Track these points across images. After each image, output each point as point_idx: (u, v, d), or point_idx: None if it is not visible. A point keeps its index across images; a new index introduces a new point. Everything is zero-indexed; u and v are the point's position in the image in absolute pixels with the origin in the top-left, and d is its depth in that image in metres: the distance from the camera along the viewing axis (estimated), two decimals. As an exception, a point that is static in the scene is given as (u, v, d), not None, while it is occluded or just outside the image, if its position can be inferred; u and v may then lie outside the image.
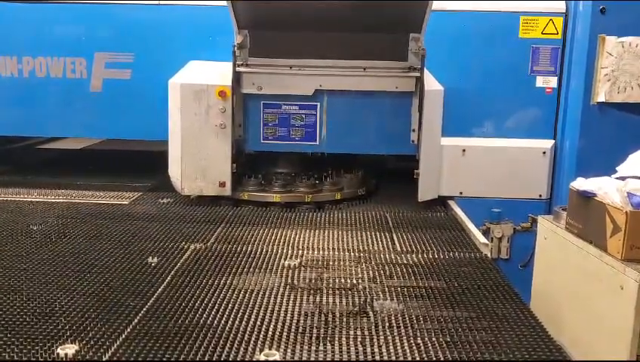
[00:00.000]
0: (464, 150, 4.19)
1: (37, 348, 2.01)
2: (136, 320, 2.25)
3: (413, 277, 2.77)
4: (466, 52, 4.19)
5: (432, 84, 4.01)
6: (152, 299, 2.47)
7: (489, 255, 3.19)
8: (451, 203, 4.16)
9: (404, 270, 2.86)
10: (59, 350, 2.00)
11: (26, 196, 4.15)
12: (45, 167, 5.29)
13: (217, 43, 4.21)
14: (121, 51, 4.30)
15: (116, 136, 4.67)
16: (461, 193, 4.24)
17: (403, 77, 4.01)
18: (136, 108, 4.34)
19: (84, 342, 2.07)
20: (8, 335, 2.09)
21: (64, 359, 1.96)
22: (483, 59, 4.19)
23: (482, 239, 3.32)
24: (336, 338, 2.13)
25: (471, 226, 3.59)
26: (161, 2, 4.27)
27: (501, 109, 4.26)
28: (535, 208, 4.19)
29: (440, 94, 4.04)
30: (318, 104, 4.09)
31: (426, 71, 3.93)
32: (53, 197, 4.16)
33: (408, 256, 3.08)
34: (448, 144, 4.18)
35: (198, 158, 4.01)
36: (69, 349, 2.01)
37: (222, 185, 4.04)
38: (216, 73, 4.04)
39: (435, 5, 3.64)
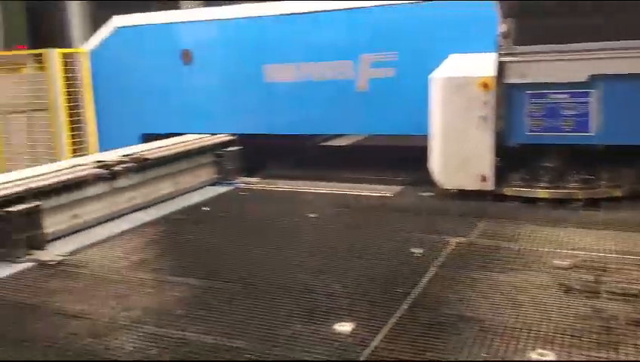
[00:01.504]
0: None
1: (317, 324, 2.23)
2: (405, 306, 2.35)
3: None
4: None
5: None
6: (419, 287, 2.54)
7: None
8: None
9: None
10: (336, 326, 2.20)
11: (303, 188, 4.62)
12: (323, 162, 5.82)
13: (477, 35, 4.14)
14: (385, 51, 4.51)
15: (381, 132, 4.93)
16: None
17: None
18: (400, 104, 4.51)
19: (358, 321, 2.23)
20: (295, 310, 2.37)
21: (341, 335, 2.14)
22: None
23: None
24: (621, 347, 1.93)
25: None
26: (421, 1, 4.37)
27: None
28: None
29: None
30: (593, 91, 3.73)
31: None
32: (326, 188, 4.55)
33: None
34: None
35: (458, 152, 3.99)
36: (346, 326, 2.20)
37: (483, 179, 3.96)
38: (478, 65, 3.98)
39: None
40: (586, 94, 3.75)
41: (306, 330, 2.18)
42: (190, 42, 5.25)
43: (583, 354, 1.90)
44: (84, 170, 3.71)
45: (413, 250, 3.02)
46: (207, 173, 4.84)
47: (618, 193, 3.74)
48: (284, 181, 4.85)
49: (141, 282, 2.74)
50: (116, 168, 3.85)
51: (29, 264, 3.02)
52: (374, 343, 2.07)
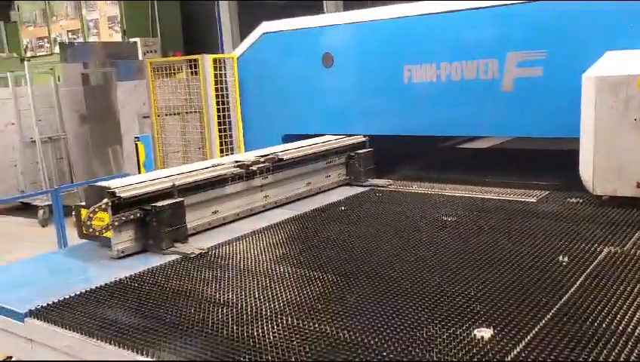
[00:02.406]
0: None
1: (454, 327, 2.21)
2: (548, 316, 2.24)
3: None
4: None
5: None
6: (565, 297, 2.41)
7: None
8: None
9: None
10: (475, 332, 2.16)
11: (439, 190, 4.56)
12: (458, 165, 5.70)
13: (638, 29, 3.83)
14: (532, 49, 4.31)
15: (526, 135, 4.72)
16: None
17: None
18: (547, 105, 4.29)
19: (498, 328, 2.17)
20: (431, 313, 2.35)
21: (480, 341, 2.10)
22: None
23: None
24: None
25: None
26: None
27: None
28: None
29: None
30: None
31: None
32: (463, 191, 4.45)
33: None
34: None
35: (613, 156, 3.71)
36: (485, 332, 2.15)
37: (639, 185, 3.65)
38: (637, 62, 3.67)
39: None
40: None
41: (444, 333, 2.16)
42: (331, 45, 5.39)
43: None
44: (224, 169, 3.96)
45: (558, 257, 2.86)
46: (338, 174, 4.96)
47: None
48: (419, 183, 4.81)
49: (283, 276, 2.88)
50: (252, 168, 4.06)
51: (175, 256, 3.26)
52: (514, 351, 2.00)
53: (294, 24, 5.66)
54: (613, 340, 2.02)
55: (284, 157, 4.37)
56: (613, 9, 3.99)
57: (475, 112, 4.67)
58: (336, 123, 5.46)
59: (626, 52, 3.88)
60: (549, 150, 5.55)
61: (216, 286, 2.79)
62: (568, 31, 4.17)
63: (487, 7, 4.52)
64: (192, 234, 3.61)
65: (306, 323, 2.32)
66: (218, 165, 4.04)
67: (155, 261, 3.20)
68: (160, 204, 3.35)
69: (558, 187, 4.33)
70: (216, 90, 6.03)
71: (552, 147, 5.56)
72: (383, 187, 4.78)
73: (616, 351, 1.96)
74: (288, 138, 5.54)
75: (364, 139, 5.11)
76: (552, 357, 1.95)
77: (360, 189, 4.76)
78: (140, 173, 6.28)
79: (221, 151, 6.13)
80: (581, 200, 3.95)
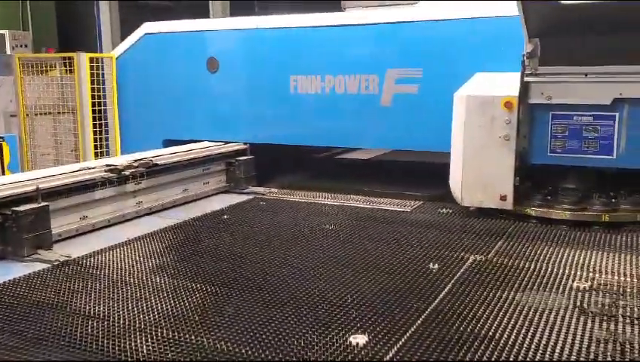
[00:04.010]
0: None
1: (331, 335, 2.25)
2: (419, 322, 2.35)
3: None
4: None
5: None
6: (434, 303, 2.54)
7: None
8: None
9: None
10: (351, 338, 2.21)
11: (322, 199, 4.64)
12: (340, 175, 5.85)
13: (503, 54, 4.15)
14: (410, 67, 4.54)
15: (403, 148, 4.95)
16: None
17: None
18: (423, 121, 4.53)
19: (372, 334, 2.24)
20: (309, 321, 2.38)
21: (355, 347, 2.15)
22: None
23: None
24: (636, 373, 1.92)
25: None
26: (450, 17, 4.39)
27: None
28: None
29: None
30: (617, 114, 3.71)
31: None
32: (344, 201, 4.57)
33: None
34: None
35: (479, 170, 3.99)
36: (360, 339, 2.20)
37: (503, 198, 3.95)
38: (503, 84, 3.98)
39: None
40: (610, 117, 3.73)
41: (320, 341, 2.19)
42: (217, 50, 5.33)
43: (598, 379, 1.89)
44: (94, 173, 3.79)
45: (429, 265, 3.02)
46: (217, 181, 4.90)
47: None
48: (302, 192, 4.87)
49: (158, 286, 2.77)
50: (124, 172, 3.92)
51: (39, 264, 3.07)
52: (387, 356, 2.07)
53: (179, 26, 5.52)
54: (475, 343, 2.16)
55: (160, 163, 4.25)
56: (484, 33, 4.30)
57: (357, 125, 4.83)
58: (220, 129, 5.39)
59: (493, 74, 4.20)
60: (424, 163, 5.85)
61: (86, 298, 2.63)
62: (442, 52, 4.45)
63: (370, 23, 4.70)
64: (58, 241, 3.41)
65: (182, 335, 2.26)
66: (88, 169, 3.85)
67: (17, 270, 2.98)
68: (21, 208, 3.14)
69: (431, 198, 4.58)
70: (93, 90, 5.73)
71: (428, 160, 5.86)
72: (264, 195, 4.78)
73: (479, 353, 2.09)
74: (169, 143, 5.39)
75: (245, 146, 5.10)
76: (422, 360, 2.04)
77: (242, 197, 4.73)
78: (3, 175, 5.80)
79: (96, 154, 5.82)
80: (451, 211, 4.20)
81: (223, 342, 2.19)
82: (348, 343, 2.18)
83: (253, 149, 5.11)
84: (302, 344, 2.17)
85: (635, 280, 2.78)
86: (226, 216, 4.15)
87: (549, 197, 3.95)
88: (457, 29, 4.41)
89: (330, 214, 4.18)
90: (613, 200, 3.81)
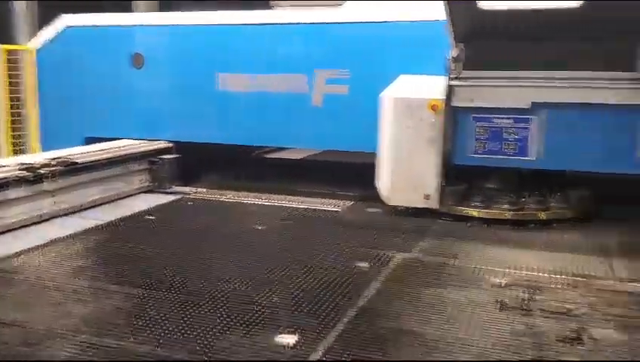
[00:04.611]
0: None
1: (258, 335, 2.23)
2: (346, 320, 2.38)
3: (638, 308, 2.50)
4: None
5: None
6: (363, 301, 2.58)
7: None
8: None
9: (628, 299, 2.60)
10: (278, 338, 2.20)
11: (252, 199, 4.61)
12: (271, 174, 5.82)
13: (428, 57, 4.26)
14: (338, 68, 4.58)
15: (335, 148, 4.98)
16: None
17: (631, 88, 3.65)
18: (353, 121, 4.58)
19: (300, 333, 2.24)
20: (236, 321, 2.36)
21: (284, 347, 2.15)
22: None
23: None
24: (549, 363, 2.02)
25: None
26: (376, 20, 4.47)
27: None
28: None
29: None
30: (535, 117, 3.90)
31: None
32: (274, 201, 4.55)
33: (632, 284, 2.79)
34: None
35: (405, 171, 4.08)
36: (288, 338, 2.20)
37: (428, 197, 4.06)
38: (428, 87, 4.09)
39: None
40: (528, 120, 3.91)
41: (246, 342, 2.18)
42: (143, 46, 5.18)
43: (515, 370, 1.97)
44: (6, 171, 3.62)
45: (358, 264, 3.06)
46: (140, 181, 4.77)
47: (543, 216, 3.91)
48: (232, 192, 4.82)
49: (79, 290, 2.67)
50: (40, 171, 3.75)
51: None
52: (315, 355, 2.08)
53: (103, 20, 5.33)
54: (402, 338, 2.21)
55: (79, 161, 4.09)
56: (409, 36, 4.40)
57: (287, 125, 4.82)
58: (145, 127, 5.25)
59: (417, 77, 4.30)
60: (356, 163, 5.92)
61: (0, 304, 2.49)
62: (369, 54, 4.52)
63: (299, 23, 4.71)
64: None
65: (103, 340, 2.18)
66: (1, 167, 3.65)
67: None
68: None
69: (361, 198, 4.64)
70: (11, 84, 5.43)
71: (359, 160, 5.94)
72: (190, 195, 4.69)
73: (405, 347, 2.13)
74: (91, 141, 5.19)
75: (169, 144, 4.99)
76: (350, 358, 2.07)
77: (168, 197, 4.62)
78: None
79: (15, 152, 5.53)
80: (380, 211, 4.27)
81: (145, 345, 2.13)
82: (274, 343, 2.17)
83: (180, 148, 5.00)
84: (227, 345, 2.15)
85: (549, 275, 2.93)
86: (150, 217, 4.04)
87: (471, 197, 4.09)
88: (384, 31, 4.49)
89: (260, 214, 4.16)
90: (528, 199, 4.01)
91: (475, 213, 3.96)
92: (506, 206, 3.93)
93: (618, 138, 3.78)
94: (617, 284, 2.80)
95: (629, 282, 2.82)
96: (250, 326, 2.30)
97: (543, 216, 3.91)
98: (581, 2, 3.38)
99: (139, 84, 5.22)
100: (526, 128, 3.92)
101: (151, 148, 4.87)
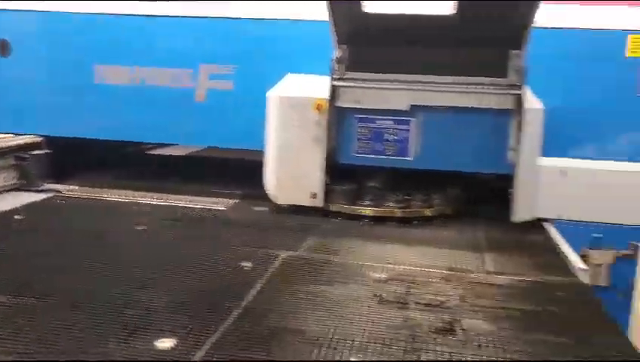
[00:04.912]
0: (564, 171, 4.03)
1: (136, 340, 2.15)
2: (230, 320, 2.35)
3: (504, 299, 2.70)
4: (568, 71, 4.05)
5: (532, 102, 3.90)
6: (246, 301, 2.56)
7: (587, 281, 3.05)
8: (547, 225, 4.01)
9: (495, 291, 2.80)
10: (157, 342, 2.13)
11: (133, 198, 4.43)
12: (152, 172, 5.62)
13: (315, 57, 4.32)
14: (223, 64, 4.52)
15: (218, 145, 4.90)
16: (559, 216, 4.07)
17: (502, 94, 3.94)
18: (238, 118, 4.54)
19: (180, 337, 2.19)
20: (113, 326, 2.25)
21: (161, 352, 2.08)
22: (587, 78, 4.03)
23: (580, 264, 3.18)
24: (423, 353, 2.12)
25: (568, 250, 3.45)
26: (263, 17, 4.46)
27: (605, 131, 4.08)
28: (638, 235, 3.95)
29: (540, 113, 3.92)
30: (413, 119, 4.09)
31: (526, 88, 3.84)
32: (157, 200, 4.41)
33: (500, 277, 3.01)
34: (548, 164, 4.04)
35: (291, 169, 4.12)
36: (167, 342, 2.14)
37: (314, 196, 4.12)
38: (313, 86, 4.15)
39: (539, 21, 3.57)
40: (407, 122, 4.10)
41: (124, 348, 2.08)
42: (9, 32, 4.79)
43: (392, 362, 2.05)
44: None
45: (242, 263, 3.04)
46: (5, 178, 4.44)
47: (428, 213, 4.12)
48: (110, 190, 4.60)
49: None
50: None
51: None
52: (195, 358, 2.04)
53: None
54: (286, 337, 2.22)
55: None
56: (295, 35, 4.43)
57: (169, 120, 4.67)
58: (11, 120, 4.85)
59: (304, 76, 4.35)
60: (242, 159, 5.87)
61: None
62: (255, 51, 4.50)
63: (184, 16, 4.58)
64: None
65: (-40, 352, 1.99)
66: None
67: None
68: None
69: (247, 196, 4.61)
70: None
71: (246, 157, 5.89)
72: (62, 193, 4.42)
73: (288, 346, 2.15)
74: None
75: (38, 139, 4.65)
76: (231, 359, 2.04)
77: (39, 196, 4.32)
78: None
79: None
80: (266, 209, 4.27)
81: (12, 356, 1.97)
82: (154, 347, 2.10)
83: (53, 144, 4.69)
84: (104, 351, 2.04)
85: (424, 269, 3.08)
86: (18, 217, 3.76)
87: (354, 195, 4.21)
88: (273, 28, 4.48)
89: (139, 214, 4.00)
90: (406, 197, 4.19)
91: (367, 211, 4.07)
92: (394, 204, 4.09)
93: (489, 140, 4.05)
94: (487, 277, 3.00)
95: (497, 275, 3.04)
96: (129, 331, 2.20)
97: (428, 212, 4.11)
98: (454, 10, 3.59)
99: (4, 74, 4.82)
100: (405, 130, 4.10)
101: (17, 143, 4.54)
